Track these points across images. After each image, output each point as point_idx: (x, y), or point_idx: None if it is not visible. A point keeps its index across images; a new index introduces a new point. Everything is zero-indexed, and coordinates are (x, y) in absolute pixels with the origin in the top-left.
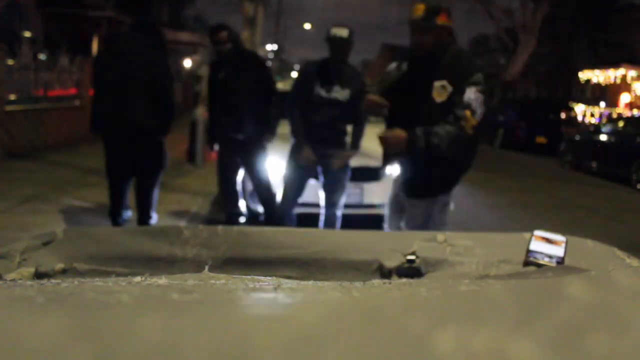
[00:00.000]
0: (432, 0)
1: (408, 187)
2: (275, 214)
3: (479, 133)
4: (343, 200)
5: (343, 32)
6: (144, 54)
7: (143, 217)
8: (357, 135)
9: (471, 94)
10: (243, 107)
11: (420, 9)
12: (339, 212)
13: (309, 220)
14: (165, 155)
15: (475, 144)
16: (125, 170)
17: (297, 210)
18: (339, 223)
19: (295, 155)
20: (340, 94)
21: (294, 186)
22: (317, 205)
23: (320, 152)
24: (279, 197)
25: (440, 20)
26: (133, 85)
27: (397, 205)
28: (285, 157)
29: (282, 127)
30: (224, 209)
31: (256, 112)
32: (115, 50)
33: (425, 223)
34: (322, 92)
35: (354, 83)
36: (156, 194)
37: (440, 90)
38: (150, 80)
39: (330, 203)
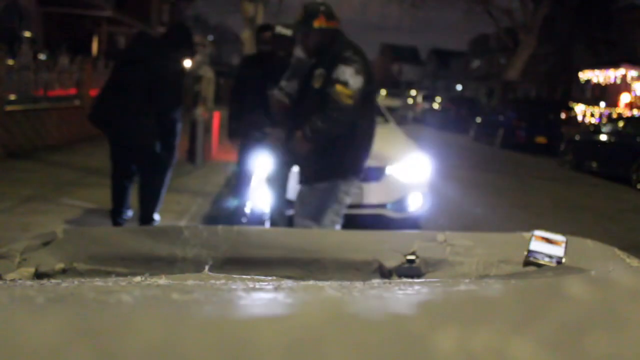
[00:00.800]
0: (312, 4)
1: (301, 174)
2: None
3: (365, 113)
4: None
5: (287, 31)
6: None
7: (145, 219)
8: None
9: (339, 70)
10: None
11: (299, 14)
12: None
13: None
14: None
15: (363, 127)
16: (130, 169)
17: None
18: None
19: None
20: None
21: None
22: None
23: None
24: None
25: (318, 23)
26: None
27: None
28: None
29: None
30: (235, 201)
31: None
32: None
33: (319, 210)
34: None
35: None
36: (162, 195)
37: (318, 78)
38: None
39: None
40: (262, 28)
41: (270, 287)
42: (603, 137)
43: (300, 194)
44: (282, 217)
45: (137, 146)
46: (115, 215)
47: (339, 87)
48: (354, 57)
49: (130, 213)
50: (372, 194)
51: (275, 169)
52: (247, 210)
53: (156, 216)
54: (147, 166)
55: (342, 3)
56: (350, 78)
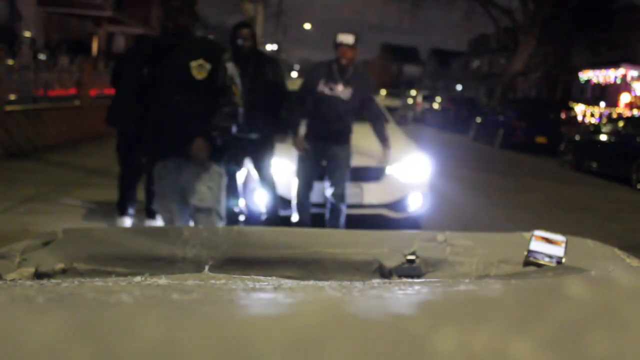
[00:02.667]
0: None
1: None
2: (297, 206)
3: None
4: (346, 194)
5: (349, 39)
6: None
7: (152, 211)
8: (384, 136)
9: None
10: (258, 107)
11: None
12: (344, 207)
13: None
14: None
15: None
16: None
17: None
18: (343, 217)
19: (306, 153)
20: (343, 92)
21: (305, 182)
22: (324, 206)
23: (327, 148)
24: (292, 193)
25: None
26: None
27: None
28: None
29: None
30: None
31: (271, 112)
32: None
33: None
34: (326, 90)
35: (359, 83)
36: None
37: (199, 69)
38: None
39: (333, 195)
40: (240, 25)
41: (270, 287)
42: (603, 137)
43: None
44: (306, 208)
45: None
46: (123, 207)
47: (235, 89)
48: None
49: (134, 206)
50: (372, 194)
51: (301, 166)
52: (242, 208)
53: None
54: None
55: (342, 3)
56: (237, 78)
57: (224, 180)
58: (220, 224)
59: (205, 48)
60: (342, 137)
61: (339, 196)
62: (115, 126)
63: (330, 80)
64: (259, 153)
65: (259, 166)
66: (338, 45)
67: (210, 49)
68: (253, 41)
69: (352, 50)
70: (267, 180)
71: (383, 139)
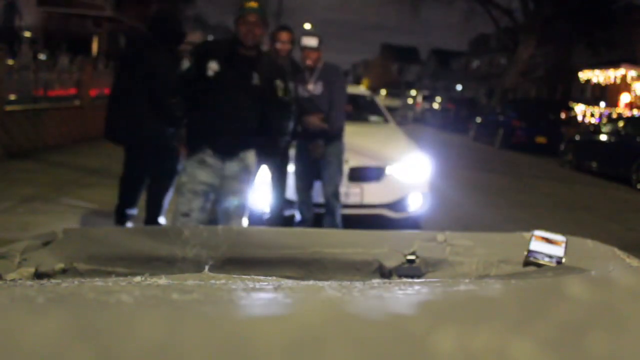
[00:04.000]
0: None
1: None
2: (299, 206)
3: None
4: (339, 191)
5: (312, 42)
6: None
7: (151, 221)
8: (334, 112)
9: None
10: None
11: None
12: (339, 205)
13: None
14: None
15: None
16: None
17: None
18: (339, 215)
19: (299, 154)
20: (315, 88)
21: (304, 183)
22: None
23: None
24: (293, 195)
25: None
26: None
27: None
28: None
29: None
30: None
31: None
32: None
33: None
34: (301, 92)
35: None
36: (167, 199)
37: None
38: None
39: (326, 194)
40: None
41: (270, 287)
42: (603, 137)
43: None
44: (309, 207)
45: (156, 149)
46: (121, 213)
47: None
48: None
49: (135, 211)
50: (372, 194)
51: (300, 167)
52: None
53: (161, 219)
54: (161, 169)
55: (342, 3)
56: None
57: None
58: (246, 215)
59: (277, 67)
60: (330, 134)
61: (332, 194)
62: (119, 142)
63: (301, 82)
64: (265, 155)
65: (274, 167)
66: (302, 48)
67: (279, 69)
68: (292, 45)
69: (315, 52)
70: (278, 181)
71: (332, 117)
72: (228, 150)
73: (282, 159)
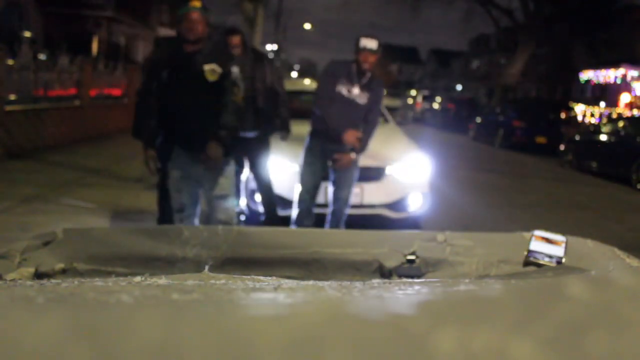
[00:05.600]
0: None
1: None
2: (299, 213)
3: None
4: (351, 197)
5: (372, 44)
6: None
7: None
8: (367, 137)
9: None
10: (253, 106)
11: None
12: (347, 210)
13: (317, 221)
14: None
15: None
16: None
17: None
18: (343, 220)
19: (312, 153)
20: (360, 97)
21: (311, 184)
22: (325, 206)
23: (334, 149)
24: (294, 197)
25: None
26: None
27: None
28: (296, 158)
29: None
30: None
31: (264, 110)
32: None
33: None
34: (344, 91)
35: (375, 89)
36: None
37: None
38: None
39: (338, 198)
40: (230, 31)
41: (270, 287)
42: (603, 137)
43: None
44: (310, 215)
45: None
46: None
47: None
48: None
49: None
50: (372, 194)
51: (308, 169)
52: (242, 208)
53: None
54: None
55: (342, 3)
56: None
57: (233, 169)
58: (236, 207)
59: (216, 54)
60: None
61: (345, 200)
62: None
63: (349, 82)
64: (256, 151)
65: (255, 164)
66: (361, 50)
67: (220, 54)
68: (244, 47)
69: (374, 56)
70: (263, 179)
71: (364, 141)
72: (194, 148)
73: (259, 152)
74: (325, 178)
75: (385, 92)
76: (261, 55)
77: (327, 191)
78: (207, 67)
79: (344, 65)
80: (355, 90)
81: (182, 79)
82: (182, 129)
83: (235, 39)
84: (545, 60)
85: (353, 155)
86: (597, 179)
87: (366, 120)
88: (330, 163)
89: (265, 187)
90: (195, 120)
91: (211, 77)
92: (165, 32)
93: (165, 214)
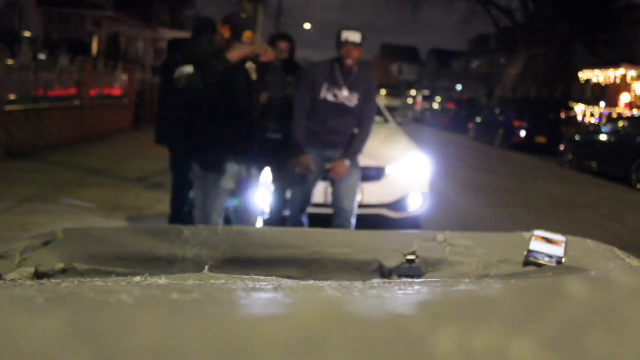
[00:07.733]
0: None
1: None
2: (288, 222)
3: None
4: (355, 207)
5: (356, 37)
6: None
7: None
8: (362, 139)
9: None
10: (286, 111)
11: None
12: (353, 220)
13: (317, 221)
14: None
15: None
16: None
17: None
18: (354, 222)
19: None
20: (350, 99)
21: (304, 193)
22: (324, 206)
23: (327, 157)
24: (286, 204)
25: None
26: None
27: None
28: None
29: None
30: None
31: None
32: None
33: None
34: (330, 96)
35: (365, 86)
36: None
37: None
38: None
39: (340, 210)
40: (280, 37)
41: (270, 287)
42: (603, 137)
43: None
44: (302, 224)
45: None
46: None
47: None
48: None
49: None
50: (372, 194)
51: (297, 178)
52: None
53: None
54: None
55: (342, 3)
56: None
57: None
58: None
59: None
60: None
61: (349, 211)
62: (167, 144)
63: (334, 84)
64: (281, 154)
65: (278, 167)
66: (343, 44)
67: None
68: (291, 54)
69: (358, 50)
70: (280, 182)
71: (359, 142)
72: (239, 152)
73: (280, 160)
74: (324, 178)
75: (383, 90)
76: (298, 65)
77: (327, 191)
78: (249, 65)
79: (324, 66)
80: (344, 93)
81: (227, 83)
82: (229, 134)
83: (284, 45)
84: (545, 61)
85: (347, 162)
86: (597, 179)
87: (361, 120)
88: (322, 175)
89: (281, 190)
90: (242, 125)
91: (254, 75)
92: (165, 32)
93: (178, 215)
